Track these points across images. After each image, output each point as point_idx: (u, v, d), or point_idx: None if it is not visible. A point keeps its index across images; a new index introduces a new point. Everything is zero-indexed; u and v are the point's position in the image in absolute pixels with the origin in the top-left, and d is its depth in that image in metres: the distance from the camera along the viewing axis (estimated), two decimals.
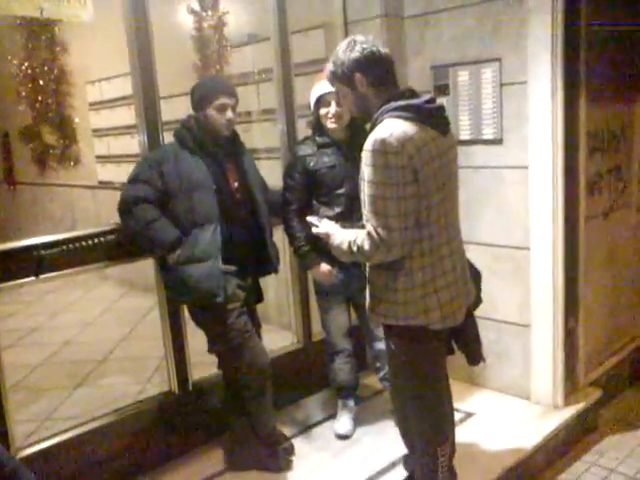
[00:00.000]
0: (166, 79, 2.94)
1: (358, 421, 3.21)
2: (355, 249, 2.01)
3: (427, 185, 1.98)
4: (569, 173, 3.09)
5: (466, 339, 2.30)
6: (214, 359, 2.87)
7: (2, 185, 7.47)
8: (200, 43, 4.10)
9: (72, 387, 3.88)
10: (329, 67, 2.12)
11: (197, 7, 4.04)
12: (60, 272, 2.63)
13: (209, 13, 4.01)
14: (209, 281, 2.55)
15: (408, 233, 1.97)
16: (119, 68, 4.92)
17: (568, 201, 3.10)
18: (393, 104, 2.01)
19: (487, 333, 3.40)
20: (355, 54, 2.04)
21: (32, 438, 2.78)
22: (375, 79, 2.06)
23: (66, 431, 2.75)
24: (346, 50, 2.06)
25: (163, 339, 3.03)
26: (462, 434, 2.93)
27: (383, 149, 1.90)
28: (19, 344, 4.58)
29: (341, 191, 2.89)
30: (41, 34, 5.33)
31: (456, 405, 3.19)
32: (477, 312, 3.33)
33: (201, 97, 2.66)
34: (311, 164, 2.92)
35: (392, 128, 1.94)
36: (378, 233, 1.94)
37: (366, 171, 1.96)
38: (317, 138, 2.95)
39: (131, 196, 2.59)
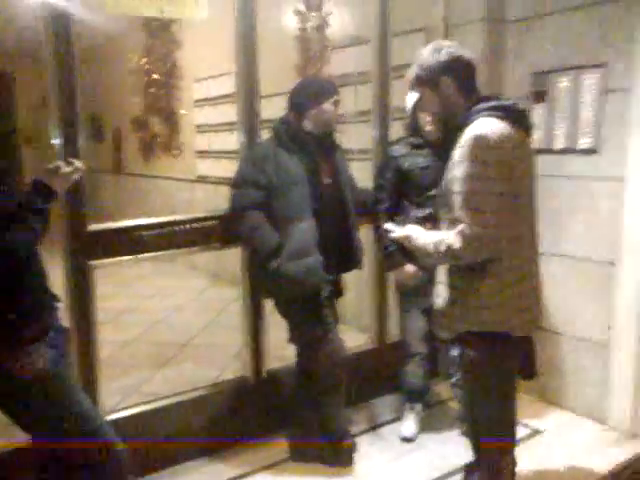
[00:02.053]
0: (267, 78, 3.03)
1: (424, 426, 3.19)
2: (443, 249, 1.96)
3: (520, 184, 1.97)
4: None
5: (524, 349, 2.21)
6: (290, 353, 2.93)
7: (111, 175, 7.96)
8: (302, 43, 4.20)
9: (156, 367, 4.07)
10: (414, 71, 2.13)
11: (303, 8, 4.15)
12: (156, 253, 2.78)
13: (314, 14, 4.11)
14: (312, 276, 2.63)
15: (502, 231, 1.93)
16: (225, 67, 5.15)
17: None
18: (485, 104, 2.02)
19: (564, 349, 3.31)
20: (443, 57, 2.06)
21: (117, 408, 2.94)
22: (462, 82, 2.07)
23: (147, 403, 2.91)
24: (433, 54, 2.08)
25: (243, 326, 3.13)
26: (529, 451, 2.87)
27: (482, 144, 1.89)
28: (112, 322, 4.84)
29: (433, 192, 2.89)
30: (160, 33, 5.71)
31: (525, 420, 3.16)
32: (553, 326, 3.26)
33: (318, 92, 2.73)
34: (405, 164, 2.95)
35: (490, 125, 1.94)
36: (473, 230, 1.90)
37: (461, 167, 1.93)
38: (411, 139, 2.98)
39: (238, 204, 2.71)
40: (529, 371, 2.22)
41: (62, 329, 2.06)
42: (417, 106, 2.89)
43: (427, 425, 3.21)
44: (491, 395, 2.14)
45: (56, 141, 2.48)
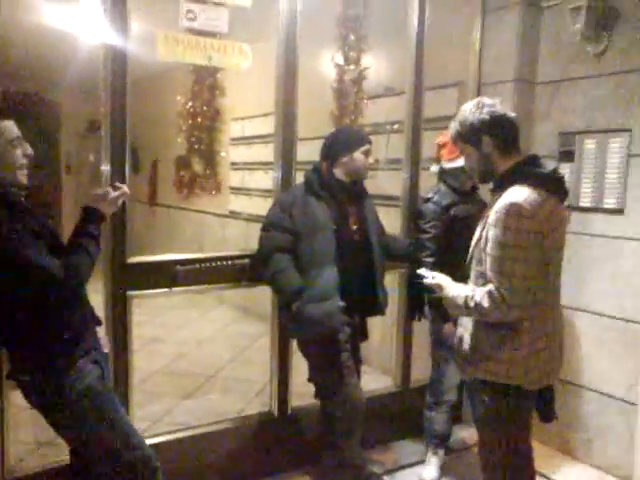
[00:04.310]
0: (303, 123, 3.19)
1: (446, 471, 3.23)
2: (472, 305, 2.05)
3: (549, 251, 2.04)
4: None
5: (543, 397, 2.26)
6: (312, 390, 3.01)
7: (145, 206, 8.19)
8: (339, 94, 4.39)
9: (182, 397, 4.17)
10: (455, 127, 2.19)
11: (341, 61, 4.35)
12: (190, 287, 2.92)
13: (351, 67, 4.31)
14: (330, 319, 2.70)
15: (527, 296, 2.00)
16: (260, 109, 5.37)
17: None
18: (523, 170, 2.08)
19: (589, 404, 3.34)
20: (484, 116, 2.10)
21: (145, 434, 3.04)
22: (501, 141, 2.11)
23: (174, 432, 3.01)
24: (474, 111, 2.12)
25: (270, 362, 3.23)
26: None
27: (517, 212, 1.96)
28: (141, 350, 4.95)
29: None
30: (206, 79, 6.04)
31: (548, 473, 3.21)
32: (578, 381, 3.29)
33: (350, 142, 2.85)
34: (457, 213, 3.04)
35: (525, 194, 2.00)
36: (501, 293, 1.98)
37: (495, 232, 2.01)
38: (456, 186, 3.08)
39: (266, 247, 2.82)
40: (547, 415, 2.27)
41: (102, 350, 2.21)
42: None
43: (450, 470, 3.26)
44: (501, 442, 2.20)
45: (105, 168, 2.66)
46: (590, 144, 3.29)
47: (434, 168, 3.20)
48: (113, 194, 2.12)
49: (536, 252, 2.00)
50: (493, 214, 2.04)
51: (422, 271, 2.33)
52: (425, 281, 2.28)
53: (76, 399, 2.01)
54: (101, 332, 2.28)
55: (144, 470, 2.16)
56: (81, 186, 8.26)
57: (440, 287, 2.22)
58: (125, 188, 2.17)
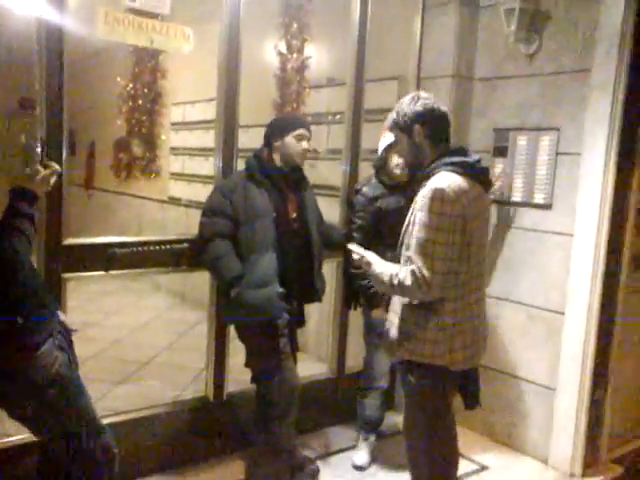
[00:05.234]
0: (245, 110, 3.20)
1: (377, 456, 3.32)
2: (396, 282, 2.15)
3: (471, 236, 2.15)
4: (614, 247, 3.17)
5: (467, 382, 2.38)
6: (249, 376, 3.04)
7: (81, 189, 7.98)
8: (282, 82, 4.42)
9: (115, 383, 4.11)
10: (392, 116, 2.33)
11: (284, 50, 4.37)
12: (127, 270, 2.89)
13: (294, 56, 4.34)
14: (269, 305, 2.74)
15: (448, 277, 2.12)
16: (203, 94, 5.32)
17: (609, 273, 3.16)
18: (449, 159, 2.20)
19: (513, 390, 3.49)
20: (418, 108, 2.25)
21: None
22: (432, 133, 2.26)
23: (106, 417, 2.94)
24: (410, 103, 2.27)
25: (207, 348, 3.23)
26: None
27: (441, 197, 2.08)
28: (75, 336, 4.86)
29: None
30: (147, 61, 5.94)
31: (472, 456, 3.34)
32: (503, 367, 3.43)
33: (282, 126, 2.90)
34: (383, 205, 3.11)
35: (449, 180, 2.13)
36: (422, 273, 2.09)
37: (420, 215, 2.13)
38: (384, 179, 3.14)
39: (206, 232, 2.82)
40: (471, 401, 2.39)
41: (66, 331, 2.14)
42: (389, 149, 3.07)
43: (381, 455, 3.35)
44: (427, 423, 2.32)
45: (40, 149, 2.57)
46: (522, 140, 3.42)
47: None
48: (43, 172, 2.03)
49: (458, 235, 2.11)
50: (420, 199, 2.15)
51: (351, 246, 2.42)
52: (353, 255, 2.37)
53: (44, 388, 1.97)
54: (61, 314, 2.22)
55: (103, 457, 2.15)
56: (12, 167, 7.97)
57: (368, 264, 2.31)
58: (56, 166, 2.09)
